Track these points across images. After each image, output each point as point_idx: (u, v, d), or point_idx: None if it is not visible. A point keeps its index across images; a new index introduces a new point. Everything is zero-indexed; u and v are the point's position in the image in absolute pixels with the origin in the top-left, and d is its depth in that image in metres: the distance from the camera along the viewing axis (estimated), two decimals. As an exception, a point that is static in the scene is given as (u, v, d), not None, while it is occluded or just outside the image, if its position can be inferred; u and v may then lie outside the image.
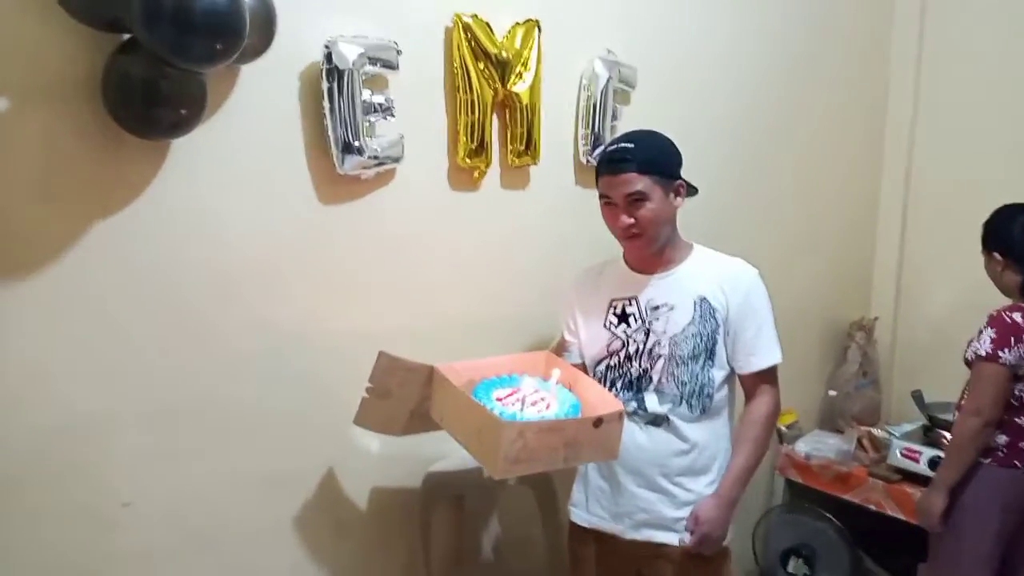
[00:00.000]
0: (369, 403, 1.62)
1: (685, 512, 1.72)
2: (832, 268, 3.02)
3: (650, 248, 1.73)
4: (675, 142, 1.74)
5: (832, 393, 2.99)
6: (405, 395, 1.63)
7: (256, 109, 1.62)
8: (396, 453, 1.86)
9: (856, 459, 2.71)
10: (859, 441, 2.74)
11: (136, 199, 1.50)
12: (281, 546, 1.78)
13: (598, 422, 1.50)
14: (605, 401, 1.60)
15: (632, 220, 1.66)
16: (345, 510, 1.86)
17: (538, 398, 1.59)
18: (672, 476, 1.72)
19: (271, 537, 1.76)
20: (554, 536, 2.06)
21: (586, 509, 1.81)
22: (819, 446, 2.81)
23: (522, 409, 1.54)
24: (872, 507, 2.60)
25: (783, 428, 2.88)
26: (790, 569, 2.72)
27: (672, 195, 1.70)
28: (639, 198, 1.65)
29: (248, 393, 1.68)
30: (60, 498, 1.48)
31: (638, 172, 1.64)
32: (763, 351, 1.73)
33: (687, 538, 1.70)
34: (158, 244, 1.54)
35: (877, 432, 2.78)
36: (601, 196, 1.71)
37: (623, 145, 1.68)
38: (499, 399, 1.58)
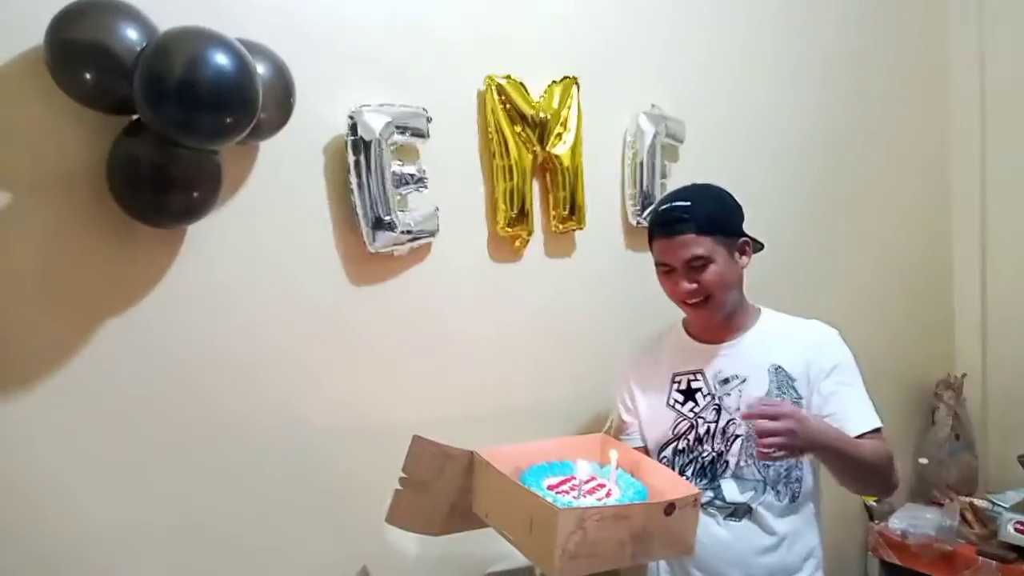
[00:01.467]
0: (403, 497, 1.42)
1: None
2: (908, 323, 2.76)
3: (718, 315, 1.54)
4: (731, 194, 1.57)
5: (923, 461, 2.70)
6: (444, 487, 1.44)
7: (278, 187, 1.50)
8: (441, 554, 1.64)
9: (961, 535, 2.40)
10: (962, 514, 2.44)
11: (150, 292, 1.38)
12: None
13: (670, 508, 1.29)
14: (676, 486, 1.39)
15: (695, 285, 1.49)
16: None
17: (596, 485, 1.41)
18: None
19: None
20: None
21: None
22: (916, 522, 2.50)
23: (579, 497, 1.36)
24: (987, 591, 2.29)
25: (871, 504, 2.59)
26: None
27: (737, 254, 1.53)
28: (702, 261, 1.48)
29: (277, 495, 1.52)
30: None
31: (697, 233, 1.47)
32: (860, 416, 1.49)
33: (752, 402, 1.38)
34: (176, 339, 1.41)
35: (979, 503, 2.48)
36: (658, 263, 1.54)
37: (678, 204, 1.51)
38: (551, 487, 1.41)
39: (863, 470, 1.44)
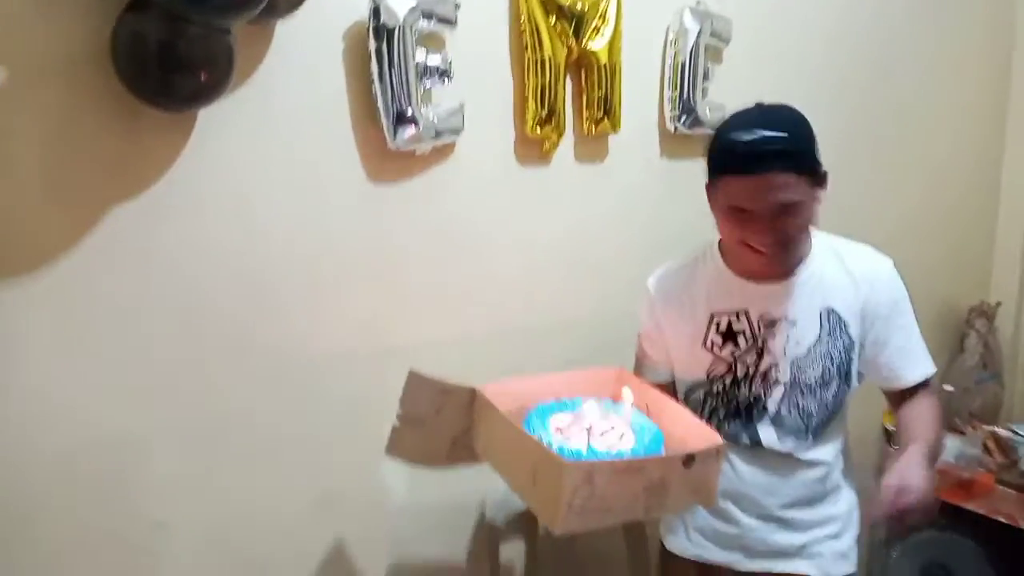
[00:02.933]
0: (401, 432, 1.33)
1: (814, 536, 1.44)
2: (947, 246, 2.65)
3: (785, 265, 1.35)
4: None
5: (948, 388, 2.64)
6: (443, 422, 1.34)
7: (294, 75, 1.40)
8: (440, 497, 1.64)
9: (981, 464, 2.37)
10: (983, 443, 2.40)
11: (157, 181, 1.30)
12: (332, 571, 1.57)
13: (689, 460, 1.17)
14: (697, 432, 1.27)
15: (777, 236, 1.27)
16: (402, 530, 1.65)
17: (607, 427, 1.27)
18: (797, 506, 1.44)
19: (321, 561, 1.56)
20: (643, 564, 1.80)
21: (686, 537, 1.53)
22: (935, 449, 2.47)
23: (588, 442, 1.24)
24: (1002, 519, 2.27)
25: (891, 428, 2.56)
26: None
27: (819, 189, 1.30)
28: (793, 207, 1.25)
29: (291, 412, 1.47)
30: (85, 526, 1.29)
31: (797, 172, 1.22)
32: (916, 362, 1.39)
33: (883, 507, 1.22)
34: (183, 236, 1.33)
35: (1002, 432, 2.43)
36: (731, 208, 1.27)
37: (770, 133, 1.22)
38: (559, 429, 1.28)
39: (942, 441, 1.40)
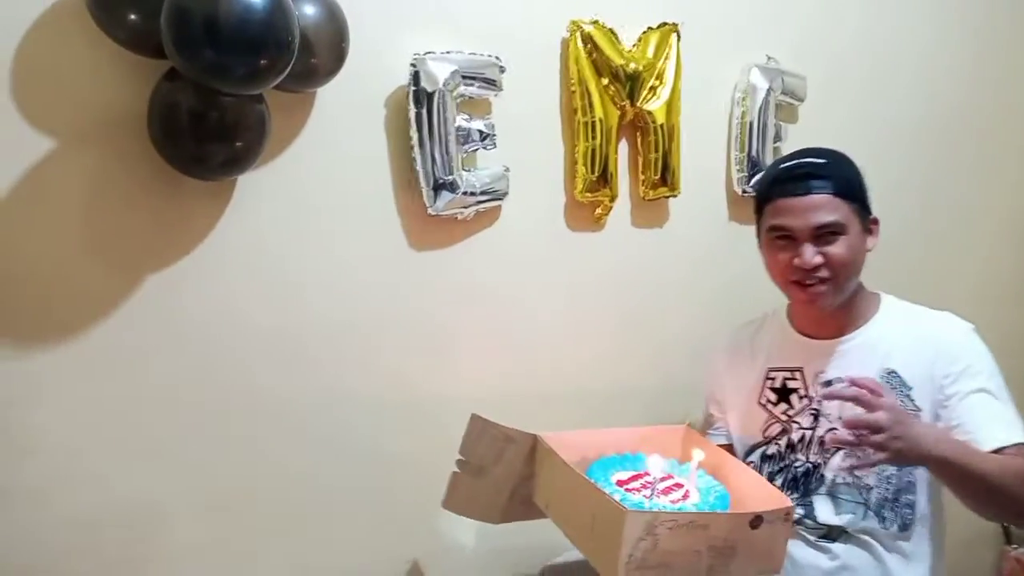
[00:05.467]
0: (460, 480, 1.30)
1: None
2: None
3: (834, 301, 1.29)
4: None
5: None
6: (503, 472, 1.30)
7: (335, 141, 1.40)
8: (498, 546, 1.53)
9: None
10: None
11: (194, 249, 1.32)
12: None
13: (757, 521, 1.11)
14: (765, 494, 1.20)
15: (819, 259, 1.25)
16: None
17: (672, 484, 1.25)
18: None
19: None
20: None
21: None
22: (1065, 552, 2.16)
23: (651, 497, 1.20)
24: None
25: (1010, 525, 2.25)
26: None
27: (866, 234, 1.30)
28: (834, 230, 1.24)
29: (320, 476, 1.44)
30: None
31: (834, 194, 1.24)
32: (997, 427, 1.20)
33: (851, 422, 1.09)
34: (218, 300, 1.34)
35: None
36: (774, 229, 1.29)
37: (810, 160, 1.28)
38: (620, 483, 1.25)
39: (991, 491, 1.13)
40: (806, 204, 1.25)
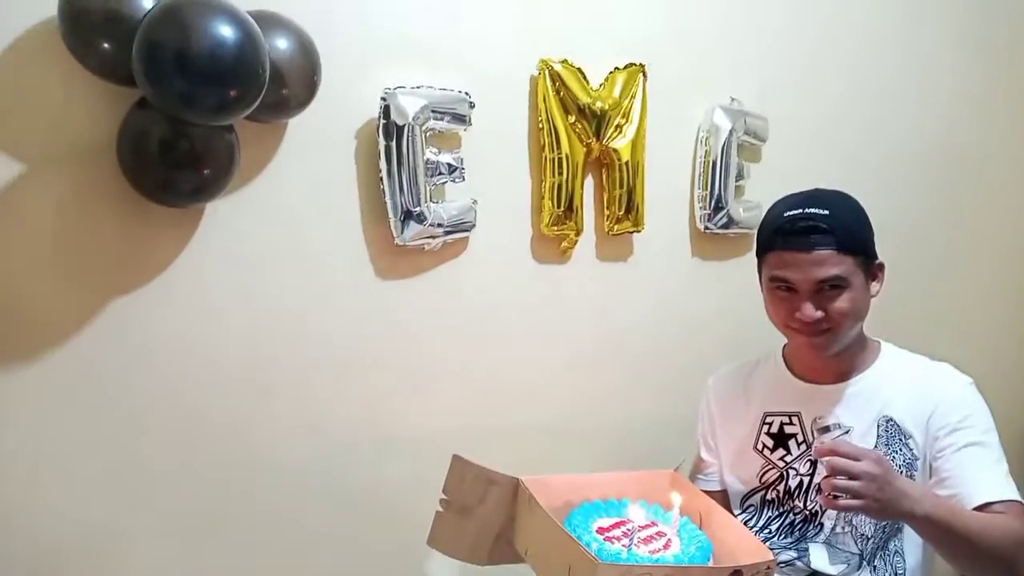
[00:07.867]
0: (445, 520, 1.26)
1: None
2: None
3: (832, 350, 1.28)
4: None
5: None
6: (488, 513, 1.27)
7: (304, 171, 1.42)
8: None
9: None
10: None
11: (160, 275, 1.33)
12: None
13: (736, 575, 1.08)
14: (748, 546, 1.18)
15: (820, 314, 1.22)
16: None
17: (655, 533, 1.22)
18: None
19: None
20: None
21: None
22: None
23: (631, 547, 1.17)
24: None
25: None
26: None
27: (871, 281, 1.28)
28: (837, 285, 1.22)
29: (291, 511, 1.44)
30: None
31: (837, 250, 1.21)
32: (987, 484, 1.19)
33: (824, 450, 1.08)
34: (186, 329, 1.35)
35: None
36: (775, 279, 1.26)
37: (813, 210, 1.22)
38: (601, 530, 1.22)
39: (974, 549, 1.12)
40: (810, 259, 1.21)
